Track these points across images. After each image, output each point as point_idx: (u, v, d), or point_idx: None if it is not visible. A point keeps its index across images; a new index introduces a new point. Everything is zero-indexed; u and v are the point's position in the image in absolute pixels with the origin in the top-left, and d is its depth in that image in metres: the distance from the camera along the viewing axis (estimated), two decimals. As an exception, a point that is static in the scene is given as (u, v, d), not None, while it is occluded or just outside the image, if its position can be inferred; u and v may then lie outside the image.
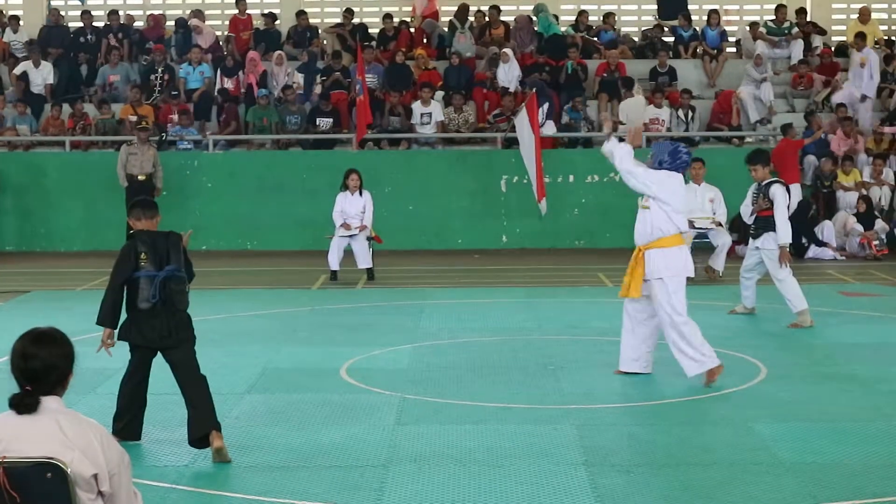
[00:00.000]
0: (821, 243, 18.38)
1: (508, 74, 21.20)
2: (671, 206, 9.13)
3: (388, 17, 22.91)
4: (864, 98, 19.53)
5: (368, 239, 15.91)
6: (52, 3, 23.73)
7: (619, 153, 9.24)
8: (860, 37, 21.37)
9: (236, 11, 22.89)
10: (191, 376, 7.49)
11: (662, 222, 9.14)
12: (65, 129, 20.55)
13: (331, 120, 20.30)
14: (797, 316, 12.03)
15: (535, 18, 22.66)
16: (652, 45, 22.61)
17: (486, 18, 22.87)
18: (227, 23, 23.53)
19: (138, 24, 23.05)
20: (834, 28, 23.78)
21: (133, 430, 7.71)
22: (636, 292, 9.21)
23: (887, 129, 20.50)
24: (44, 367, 4.02)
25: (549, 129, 19.99)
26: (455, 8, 24.01)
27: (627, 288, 9.30)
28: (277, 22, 23.25)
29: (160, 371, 10.06)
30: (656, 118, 20.55)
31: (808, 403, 8.68)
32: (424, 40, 22.67)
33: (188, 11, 23.27)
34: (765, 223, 12.10)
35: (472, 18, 22.73)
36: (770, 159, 12.29)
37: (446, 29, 23.06)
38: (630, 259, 9.36)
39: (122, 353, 10.74)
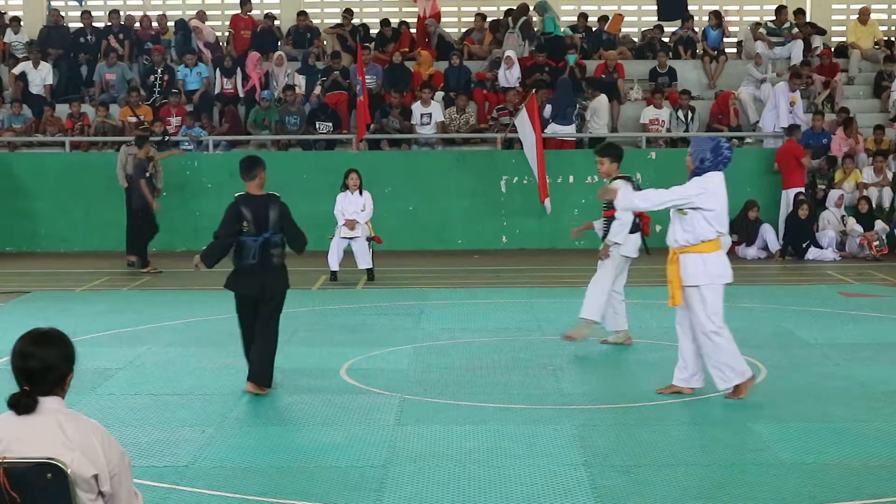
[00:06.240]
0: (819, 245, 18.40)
1: (508, 75, 21.20)
2: (714, 210, 8.65)
3: (386, 20, 22.90)
4: (792, 129, 19.46)
5: (368, 239, 15.92)
6: (52, 3, 23.73)
7: (632, 198, 9.01)
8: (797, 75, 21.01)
9: (237, 11, 22.89)
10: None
11: (702, 227, 8.64)
12: (63, 129, 20.56)
13: (330, 124, 20.30)
14: (580, 322, 10.93)
15: (535, 19, 22.64)
16: (651, 45, 22.62)
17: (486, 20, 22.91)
18: (227, 23, 23.54)
19: (139, 24, 23.02)
20: (834, 28, 23.76)
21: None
22: (679, 299, 8.75)
23: None
24: (41, 367, 4.02)
25: (570, 129, 20.10)
26: (456, 8, 24.09)
27: (672, 297, 8.81)
28: (277, 22, 23.26)
29: (160, 371, 10.10)
30: (656, 119, 20.58)
31: (808, 403, 8.68)
32: (426, 40, 22.67)
33: (188, 12, 23.28)
34: (609, 224, 10.90)
35: (524, 18, 22.27)
36: (622, 156, 10.97)
37: (447, 29, 23.09)
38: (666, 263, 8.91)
39: (118, 354, 10.77)
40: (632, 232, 10.74)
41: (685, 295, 8.72)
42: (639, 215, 10.79)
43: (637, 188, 10.76)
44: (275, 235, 9.02)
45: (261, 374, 8.95)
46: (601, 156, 10.84)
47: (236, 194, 9.14)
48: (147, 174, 17.04)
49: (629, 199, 9.19)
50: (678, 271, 8.71)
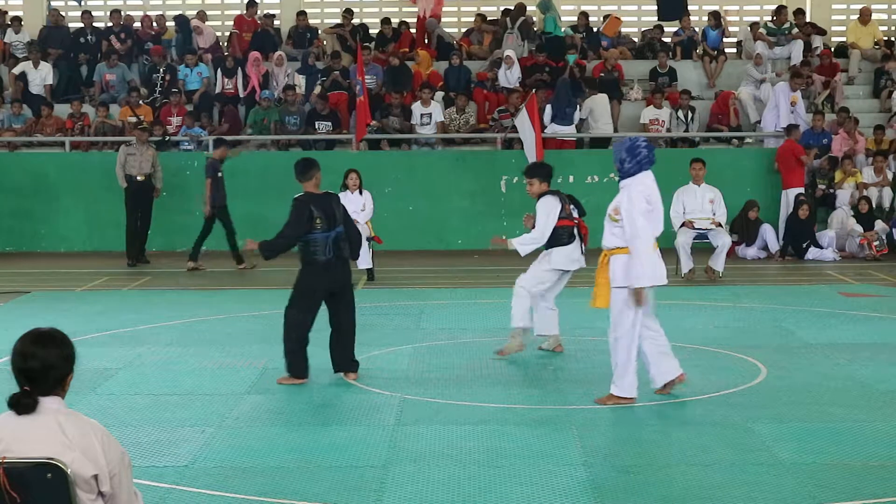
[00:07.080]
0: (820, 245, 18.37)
1: (509, 75, 21.21)
2: (657, 209, 8.60)
3: (386, 19, 22.90)
4: (791, 128, 19.44)
5: (368, 239, 15.91)
6: (53, 3, 23.73)
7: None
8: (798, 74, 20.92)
9: (238, 12, 22.88)
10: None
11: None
12: (61, 129, 20.56)
13: (329, 124, 20.29)
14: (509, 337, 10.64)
15: (535, 18, 22.64)
16: (651, 45, 22.61)
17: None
18: (227, 23, 23.54)
19: (139, 24, 23.02)
20: (834, 29, 23.76)
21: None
22: (603, 302, 8.58)
23: None
24: (42, 367, 4.02)
25: (570, 129, 20.12)
26: (456, 8, 24.08)
27: (595, 298, 8.63)
28: (277, 22, 23.26)
29: (160, 371, 10.10)
30: (656, 119, 20.57)
31: (808, 403, 8.68)
32: (426, 40, 22.66)
33: (188, 12, 23.27)
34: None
35: (522, 18, 22.28)
36: (551, 174, 10.85)
37: (446, 29, 23.07)
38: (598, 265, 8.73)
39: (118, 354, 10.77)
40: (566, 243, 10.61)
41: (612, 296, 8.50)
42: (578, 224, 10.68)
43: (567, 198, 10.66)
44: (342, 230, 9.37)
45: (355, 363, 9.56)
46: (529, 177, 10.80)
47: (297, 195, 9.46)
48: (219, 174, 17.12)
49: (642, 264, 8.38)
50: (607, 273, 8.52)
